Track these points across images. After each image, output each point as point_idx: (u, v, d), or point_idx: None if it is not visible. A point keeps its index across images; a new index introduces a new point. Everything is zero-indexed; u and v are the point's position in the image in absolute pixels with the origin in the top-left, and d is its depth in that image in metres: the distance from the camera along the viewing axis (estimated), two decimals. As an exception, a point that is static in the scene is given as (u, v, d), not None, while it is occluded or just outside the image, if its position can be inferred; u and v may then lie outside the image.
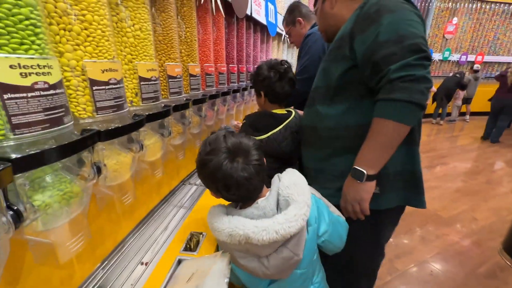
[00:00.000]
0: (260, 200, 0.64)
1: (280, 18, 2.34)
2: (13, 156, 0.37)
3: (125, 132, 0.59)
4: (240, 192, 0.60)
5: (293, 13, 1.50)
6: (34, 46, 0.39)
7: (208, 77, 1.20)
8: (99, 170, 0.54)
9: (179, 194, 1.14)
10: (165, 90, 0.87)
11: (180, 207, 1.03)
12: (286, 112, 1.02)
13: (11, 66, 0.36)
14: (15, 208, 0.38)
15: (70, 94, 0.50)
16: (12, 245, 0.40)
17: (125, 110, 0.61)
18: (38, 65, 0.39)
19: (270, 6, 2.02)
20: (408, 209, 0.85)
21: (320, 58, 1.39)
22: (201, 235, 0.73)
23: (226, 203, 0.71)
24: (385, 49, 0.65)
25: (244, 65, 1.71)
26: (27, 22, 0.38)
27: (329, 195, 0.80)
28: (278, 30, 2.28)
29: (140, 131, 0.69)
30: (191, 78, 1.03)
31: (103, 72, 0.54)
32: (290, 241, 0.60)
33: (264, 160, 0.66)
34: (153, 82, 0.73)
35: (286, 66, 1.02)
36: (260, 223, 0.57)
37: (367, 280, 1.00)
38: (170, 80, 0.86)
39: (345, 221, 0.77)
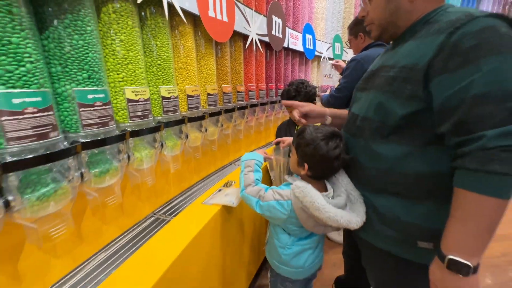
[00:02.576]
0: (330, 192, 0.85)
1: (319, 44, 2.82)
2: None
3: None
4: (332, 167, 0.81)
5: (358, 26, 1.66)
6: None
7: (250, 93, 1.79)
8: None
9: (229, 169, 1.73)
10: (221, 100, 1.48)
11: (226, 175, 1.61)
12: None
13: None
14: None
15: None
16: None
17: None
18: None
19: (308, 36, 2.53)
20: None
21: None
22: (233, 182, 1.28)
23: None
24: (481, 106, 0.52)
25: (282, 83, 2.26)
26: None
27: (377, 238, 0.77)
28: (316, 53, 2.75)
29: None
30: (238, 93, 1.63)
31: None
32: None
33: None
34: (214, 97, 1.35)
35: None
36: (345, 215, 0.77)
37: None
38: (224, 94, 1.48)
39: None
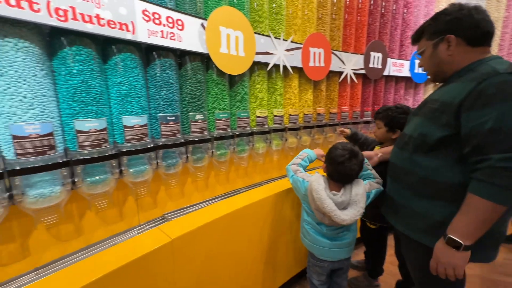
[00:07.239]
0: (340, 193, 1.11)
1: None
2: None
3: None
4: (344, 174, 1.12)
5: None
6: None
7: (343, 113, 2.29)
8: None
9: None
10: (315, 118, 2.12)
11: (314, 172, 2.20)
12: None
13: (276, 111, 1.80)
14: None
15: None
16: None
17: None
18: (280, 111, 1.81)
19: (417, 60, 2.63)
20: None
21: None
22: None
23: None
24: (492, 136, 0.71)
25: (379, 106, 2.55)
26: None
27: (412, 230, 0.96)
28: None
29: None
30: (330, 114, 2.20)
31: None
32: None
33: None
34: (309, 116, 2.01)
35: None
36: (338, 213, 1.05)
37: None
38: (318, 114, 2.10)
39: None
